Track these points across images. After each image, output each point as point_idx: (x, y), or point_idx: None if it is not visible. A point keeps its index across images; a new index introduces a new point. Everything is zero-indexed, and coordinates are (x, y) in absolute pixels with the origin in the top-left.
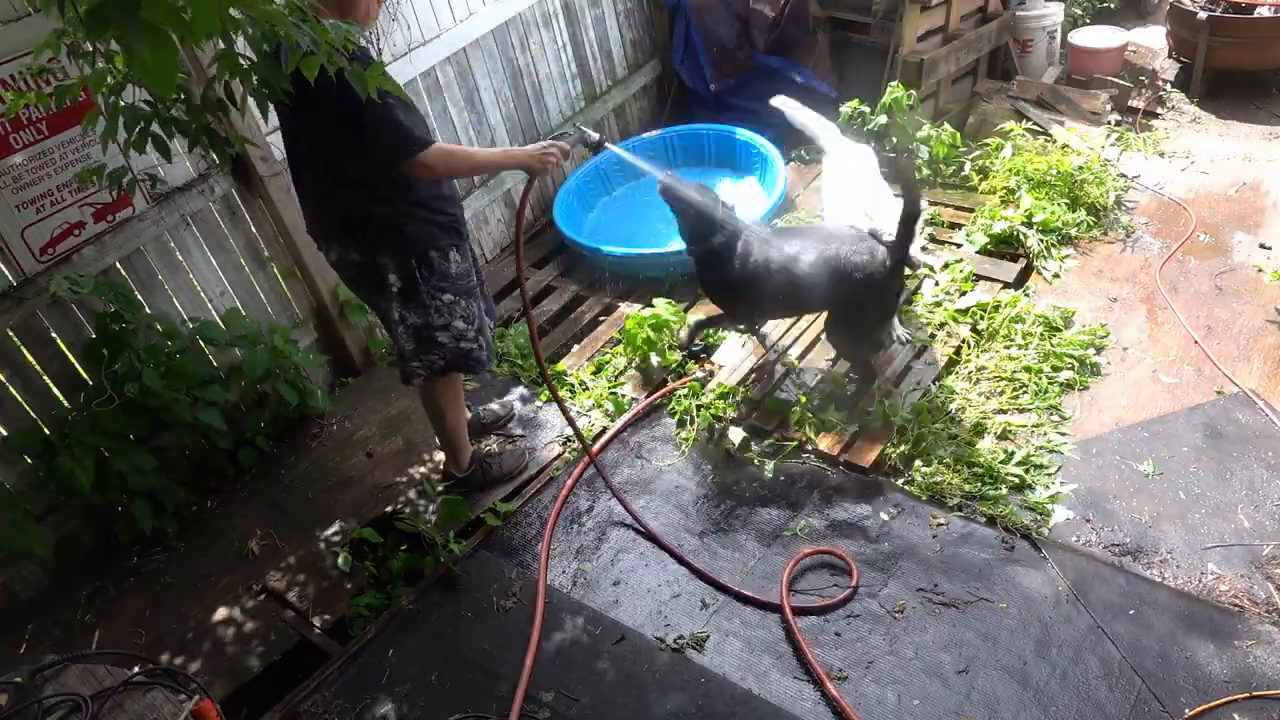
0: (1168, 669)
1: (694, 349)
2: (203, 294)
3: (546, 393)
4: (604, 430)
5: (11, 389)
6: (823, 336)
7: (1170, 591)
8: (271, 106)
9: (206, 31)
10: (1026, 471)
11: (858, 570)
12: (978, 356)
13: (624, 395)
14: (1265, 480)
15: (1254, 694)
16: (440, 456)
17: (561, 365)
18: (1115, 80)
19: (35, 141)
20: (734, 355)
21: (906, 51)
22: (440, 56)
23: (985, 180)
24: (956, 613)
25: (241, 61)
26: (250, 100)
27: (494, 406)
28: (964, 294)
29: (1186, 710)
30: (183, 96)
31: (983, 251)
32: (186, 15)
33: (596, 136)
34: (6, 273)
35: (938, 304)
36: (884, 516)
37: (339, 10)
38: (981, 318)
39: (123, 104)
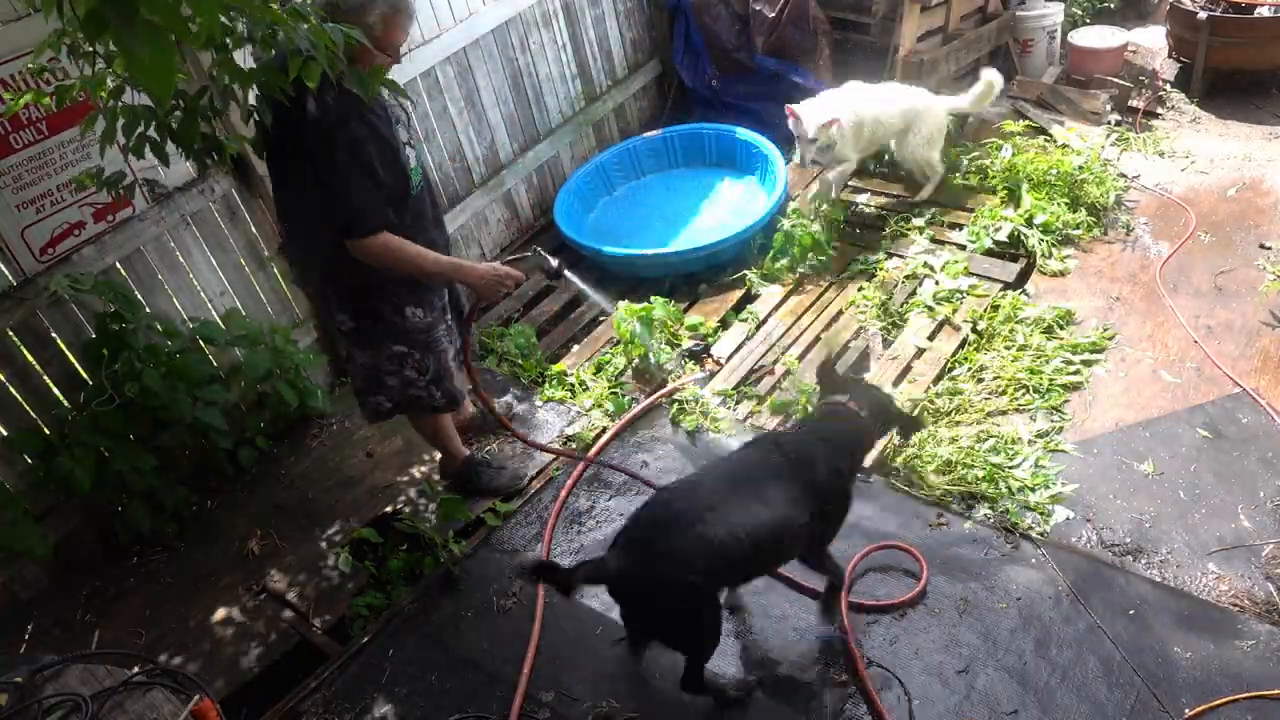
0: (1168, 669)
1: (694, 349)
2: (203, 294)
3: (546, 392)
4: (604, 430)
5: (11, 389)
6: (823, 336)
7: (1170, 591)
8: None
9: (208, 33)
10: (1026, 472)
11: (926, 567)
12: (978, 357)
13: (624, 395)
14: (1266, 480)
15: (1254, 694)
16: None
17: (562, 365)
18: (1115, 80)
19: (35, 141)
20: (734, 355)
21: (906, 51)
22: (440, 56)
23: (985, 180)
24: (956, 613)
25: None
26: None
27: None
28: (964, 294)
29: (1186, 710)
30: (181, 104)
31: (983, 252)
32: (191, 22)
33: (555, 263)
34: (6, 273)
35: (938, 304)
36: (884, 517)
37: (379, 46)
38: (982, 318)
39: (121, 106)
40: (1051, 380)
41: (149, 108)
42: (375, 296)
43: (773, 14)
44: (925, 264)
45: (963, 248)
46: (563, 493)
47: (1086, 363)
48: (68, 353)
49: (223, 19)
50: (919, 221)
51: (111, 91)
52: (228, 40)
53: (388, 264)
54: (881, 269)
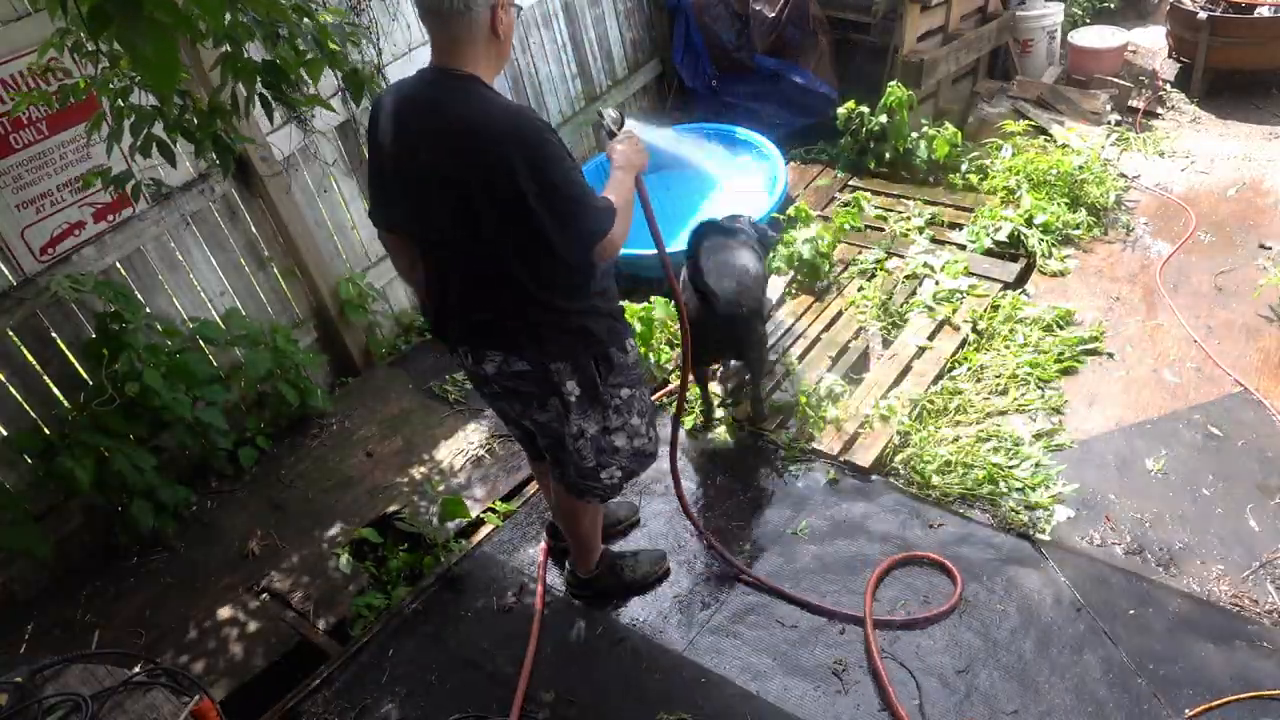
0: (1168, 669)
1: None
2: (203, 294)
3: None
4: None
5: (11, 389)
6: (824, 336)
7: (1171, 591)
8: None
9: (214, 28)
10: (1027, 472)
11: (961, 580)
12: (978, 356)
13: None
14: (1266, 480)
15: (1254, 694)
16: (441, 456)
17: None
18: (1115, 80)
19: (35, 141)
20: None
21: (906, 51)
22: None
23: (985, 180)
24: (956, 613)
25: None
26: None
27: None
28: (964, 294)
29: (1186, 710)
30: (190, 103)
31: (983, 252)
32: (199, 19)
33: (614, 114)
34: (6, 273)
35: (938, 304)
36: (884, 517)
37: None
38: (981, 318)
39: (128, 106)
40: (1052, 380)
41: (157, 107)
42: (610, 337)
43: (773, 14)
44: (925, 264)
45: (963, 248)
46: None
47: (1087, 362)
48: (68, 353)
49: (229, 14)
50: (919, 221)
51: (119, 91)
52: (234, 36)
53: (617, 245)
54: (881, 269)
